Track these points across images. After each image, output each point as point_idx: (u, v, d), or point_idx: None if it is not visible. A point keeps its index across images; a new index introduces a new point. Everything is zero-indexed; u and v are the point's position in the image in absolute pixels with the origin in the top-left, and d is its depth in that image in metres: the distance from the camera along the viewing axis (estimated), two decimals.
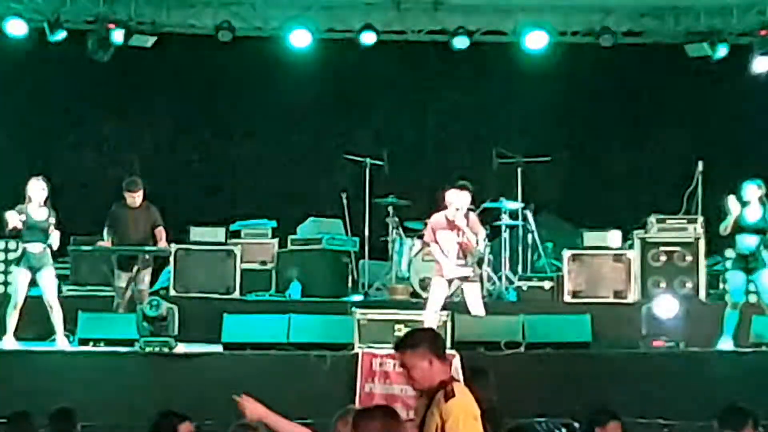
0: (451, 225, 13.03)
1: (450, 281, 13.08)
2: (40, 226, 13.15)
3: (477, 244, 13.10)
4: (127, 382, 12.38)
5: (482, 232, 13.42)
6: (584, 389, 11.67)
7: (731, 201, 13.24)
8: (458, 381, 6.66)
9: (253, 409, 6.57)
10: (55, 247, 13.32)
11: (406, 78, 17.86)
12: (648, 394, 12.16)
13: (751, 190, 13.32)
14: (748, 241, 13.31)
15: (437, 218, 13.15)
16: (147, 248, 14.07)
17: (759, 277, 13.35)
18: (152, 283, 14.60)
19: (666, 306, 13.23)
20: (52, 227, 13.17)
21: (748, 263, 13.34)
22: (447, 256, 13.00)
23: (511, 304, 15.07)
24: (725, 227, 13.36)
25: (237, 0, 16.10)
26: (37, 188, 13.24)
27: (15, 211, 13.11)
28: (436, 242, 13.09)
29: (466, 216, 13.09)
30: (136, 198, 14.18)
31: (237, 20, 16.06)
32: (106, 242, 14.20)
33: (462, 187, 13.39)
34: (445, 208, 13.14)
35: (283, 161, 18.14)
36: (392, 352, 12.40)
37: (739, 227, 13.33)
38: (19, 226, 13.10)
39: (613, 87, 17.33)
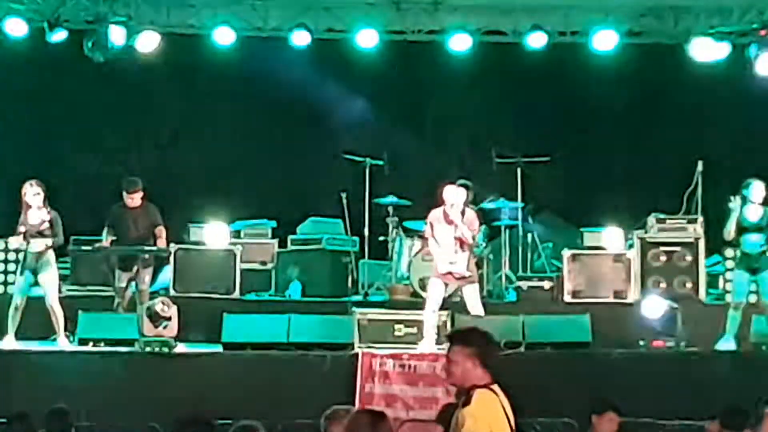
0: (448, 220, 13.08)
1: (446, 282, 13.07)
2: (38, 229, 13.18)
3: (473, 239, 13.15)
4: (127, 382, 12.38)
5: (478, 229, 13.43)
6: (584, 389, 11.65)
7: (733, 203, 13.25)
8: (485, 386, 6.63)
9: None
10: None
11: (406, 78, 17.84)
12: (648, 394, 12.16)
13: (759, 188, 13.32)
14: (753, 240, 13.31)
15: (435, 214, 13.21)
16: (147, 248, 14.08)
17: (763, 277, 13.35)
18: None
19: (653, 306, 13.23)
20: (51, 227, 13.21)
21: (752, 263, 13.35)
22: (443, 250, 13.02)
23: (511, 304, 15.08)
24: (728, 231, 13.37)
25: (237, 0, 16.10)
26: (31, 192, 13.28)
27: (14, 238, 13.19)
28: (434, 237, 13.14)
29: (463, 212, 13.12)
30: (135, 198, 14.17)
31: (237, 20, 16.06)
32: (106, 242, 14.22)
33: (459, 184, 13.51)
34: (444, 204, 13.20)
35: (282, 161, 18.11)
36: (396, 352, 12.62)
37: (742, 227, 13.33)
38: (22, 247, 13.19)
39: (613, 87, 17.30)
